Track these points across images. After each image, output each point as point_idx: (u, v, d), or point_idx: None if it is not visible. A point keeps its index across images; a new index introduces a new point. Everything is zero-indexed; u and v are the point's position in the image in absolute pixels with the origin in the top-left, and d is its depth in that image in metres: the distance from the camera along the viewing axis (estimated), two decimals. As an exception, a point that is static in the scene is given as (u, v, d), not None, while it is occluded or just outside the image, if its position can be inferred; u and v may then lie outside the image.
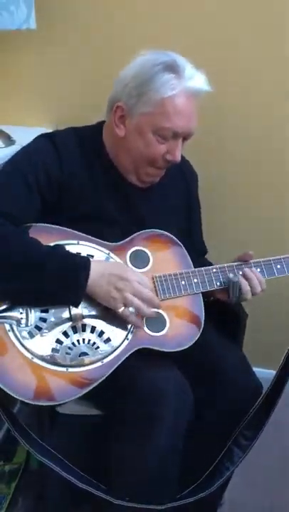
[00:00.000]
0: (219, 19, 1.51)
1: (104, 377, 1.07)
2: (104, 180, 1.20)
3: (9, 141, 1.54)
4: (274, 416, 1.13)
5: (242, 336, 1.35)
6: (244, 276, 1.19)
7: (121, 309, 1.08)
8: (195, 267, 1.21)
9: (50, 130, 1.68)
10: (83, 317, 1.09)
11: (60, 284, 1.05)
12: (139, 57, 1.17)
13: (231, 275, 1.18)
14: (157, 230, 1.20)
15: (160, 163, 1.18)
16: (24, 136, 1.60)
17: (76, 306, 1.08)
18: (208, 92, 1.15)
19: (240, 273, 1.20)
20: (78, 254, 1.11)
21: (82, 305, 1.09)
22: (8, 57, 1.64)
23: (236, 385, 1.18)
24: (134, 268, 1.16)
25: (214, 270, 1.19)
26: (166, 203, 1.28)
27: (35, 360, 1.05)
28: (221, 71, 1.37)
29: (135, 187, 1.22)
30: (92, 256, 1.13)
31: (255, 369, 1.25)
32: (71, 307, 1.08)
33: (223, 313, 1.28)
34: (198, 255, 1.37)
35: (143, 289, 1.09)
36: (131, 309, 1.09)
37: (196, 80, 1.13)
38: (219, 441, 1.17)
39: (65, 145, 1.18)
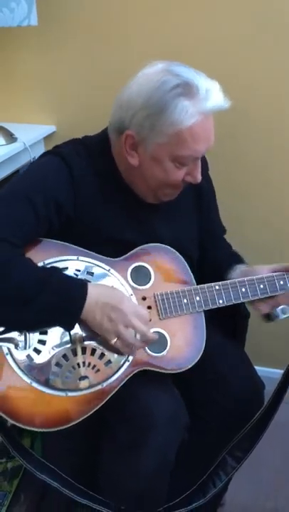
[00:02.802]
0: (219, 18, 1.49)
1: (104, 402, 1.05)
2: (118, 201, 1.15)
3: (11, 138, 1.53)
4: (277, 416, 1.12)
5: (244, 335, 1.34)
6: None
7: (113, 341, 1.05)
8: (214, 253, 1.21)
9: (52, 126, 1.69)
10: (83, 339, 1.06)
11: (54, 314, 1.02)
12: (143, 75, 1.07)
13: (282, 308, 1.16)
14: (159, 245, 1.16)
15: (180, 185, 1.13)
16: (26, 133, 1.60)
17: (68, 330, 1.05)
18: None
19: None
20: (76, 275, 1.07)
21: (81, 327, 1.06)
22: (9, 54, 1.64)
23: (237, 383, 1.17)
24: (135, 285, 1.13)
25: (217, 288, 1.15)
26: (180, 210, 1.23)
27: (34, 384, 1.03)
28: (220, 69, 1.36)
29: (148, 203, 1.17)
30: (92, 273, 1.10)
31: (256, 368, 1.25)
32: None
33: (225, 312, 1.25)
34: (217, 239, 1.34)
35: (137, 322, 1.05)
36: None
37: (213, 98, 1.03)
38: (222, 440, 1.16)
39: (78, 166, 1.11)
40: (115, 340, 1.04)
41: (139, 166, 1.10)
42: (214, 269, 1.25)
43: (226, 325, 1.28)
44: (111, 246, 1.12)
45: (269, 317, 1.18)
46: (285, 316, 1.16)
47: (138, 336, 1.06)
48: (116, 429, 1.09)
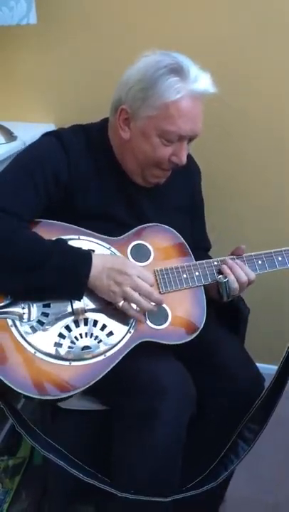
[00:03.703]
0: (219, 18, 1.50)
1: (106, 371, 1.07)
2: (111, 180, 1.21)
3: (11, 136, 1.53)
4: (278, 410, 1.13)
5: (244, 331, 1.35)
6: (227, 266, 1.18)
7: (120, 303, 1.09)
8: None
9: (51, 125, 1.69)
10: (85, 311, 1.09)
11: (62, 280, 1.06)
12: (143, 58, 1.16)
13: (219, 276, 1.17)
14: (157, 224, 1.21)
15: (166, 165, 1.18)
16: (25, 131, 1.60)
17: (78, 300, 1.09)
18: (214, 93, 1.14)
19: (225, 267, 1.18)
20: (80, 248, 1.11)
21: (84, 299, 1.09)
22: (9, 53, 1.64)
23: (237, 376, 1.18)
24: (135, 262, 1.16)
25: (215, 263, 1.20)
26: (170, 201, 1.28)
27: (38, 354, 1.06)
28: (220, 69, 1.36)
29: (140, 186, 1.23)
30: (94, 250, 1.13)
31: (257, 365, 1.24)
32: (73, 301, 1.09)
33: (225, 308, 1.27)
34: (202, 251, 1.36)
35: (142, 283, 1.09)
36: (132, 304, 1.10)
37: (201, 82, 1.12)
38: (222, 434, 1.17)
39: (74, 146, 1.18)
40: (122, 302, 1.08)
41: (129, 140, 1.17)
42: None
43: (226, 320, 1.30)
44: (101, 222, 1.16)
45: (219, 292, 1.19)
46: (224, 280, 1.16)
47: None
48: (126, 404, 1.09)
